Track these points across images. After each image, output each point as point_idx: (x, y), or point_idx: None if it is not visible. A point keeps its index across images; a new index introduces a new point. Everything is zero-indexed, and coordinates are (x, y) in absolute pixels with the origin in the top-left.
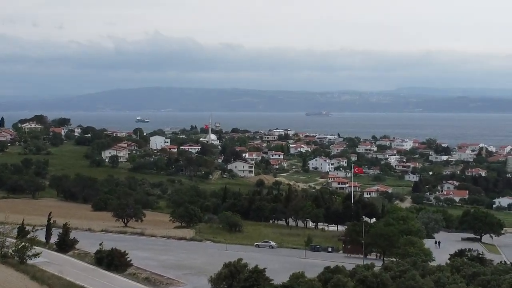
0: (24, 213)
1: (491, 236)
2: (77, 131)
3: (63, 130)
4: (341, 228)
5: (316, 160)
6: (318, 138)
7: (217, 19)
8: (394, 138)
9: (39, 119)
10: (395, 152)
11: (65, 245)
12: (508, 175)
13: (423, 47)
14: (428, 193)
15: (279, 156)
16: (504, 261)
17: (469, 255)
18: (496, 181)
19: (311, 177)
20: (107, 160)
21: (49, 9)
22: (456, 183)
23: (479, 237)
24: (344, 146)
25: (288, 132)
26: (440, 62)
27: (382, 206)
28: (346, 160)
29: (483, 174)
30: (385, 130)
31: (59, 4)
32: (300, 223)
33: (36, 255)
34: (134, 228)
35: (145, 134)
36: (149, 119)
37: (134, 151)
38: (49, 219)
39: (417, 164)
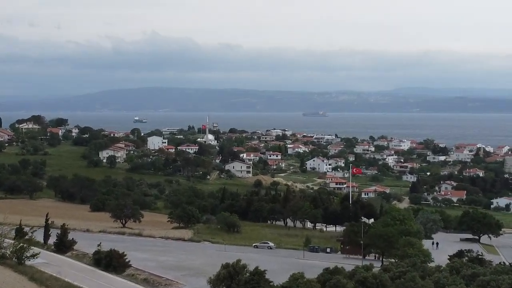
0: (22, 214)
1: (490, 237)
2: (75, 132)
3: (60, 131)
4: (340, 228)
5: (313, 160)
6: (315, 139)
7: (216, 19)
8: (392, 138)
9: (36, 119)
10: (392, 152)
11: (63, 246)
12: (506, 176)
13: (423, 47)
14: (425, 194)
15: (276, 156)
16: (503, 262)
17: (468, 256)
18: (494, 181)
19: (308, 178)
20: (104, 161)
21: (47, 9)
22: (454, 184)
23: (477, 237)
24: (342, 146)
25: (286, 132)
26: (440, 62)
27: (380, 207)
28: (343, 161)
29: (481, 175)
30: (383, 131)
31: (57, 4)
32: (298, 224)
33: (34, 256)
34: (132, 229)
35: (142, 134)
36: (147, 120)
37: (132, 152)
38: (47, 220)
39: (415, 164)
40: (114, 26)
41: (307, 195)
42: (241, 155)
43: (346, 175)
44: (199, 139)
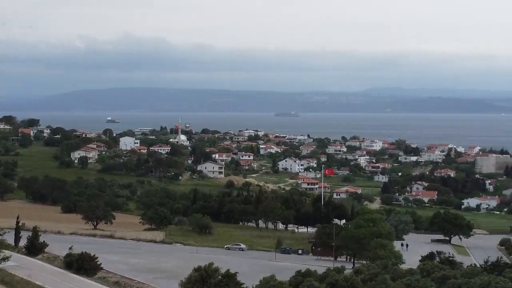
0: None
1: (460, 238)
2: (47, 132)
3: (32, 131)
4: (311, 229)
5: (286, 161)
6: (288, 139)
7: (189, 19)
8: (364, 138)
9: (8, 119)
10: (364, 153)
11: (34, 248)
12: (477, 176)
13: (395, 48)
14: (397, 194)
15: (249, 157)
16: (474, 263)
17: (439, 258)
18: (464, 181)
19: (281, 178)
20: (76, 161)
21: (18, 8)
22: (425, 184)
23: (448, 238)
24: (314, 146)
25: (258, 132)
26: (412, 63)
27: (351, 208)
28: (316, 161)
29: (452, 175)
30: (355, 131)
31: (28, 3)
32: (270, 225)
33: (5, 259)
34: (103, 230)
35: (115, 134)
36: (119, 120)
37: (104, 152)
38: (17, 222)
39: (387, 164)
40: (87, 26)
41: (279, 196)
42: (214, 155)
43: (318, 176)
44: (171, 140)
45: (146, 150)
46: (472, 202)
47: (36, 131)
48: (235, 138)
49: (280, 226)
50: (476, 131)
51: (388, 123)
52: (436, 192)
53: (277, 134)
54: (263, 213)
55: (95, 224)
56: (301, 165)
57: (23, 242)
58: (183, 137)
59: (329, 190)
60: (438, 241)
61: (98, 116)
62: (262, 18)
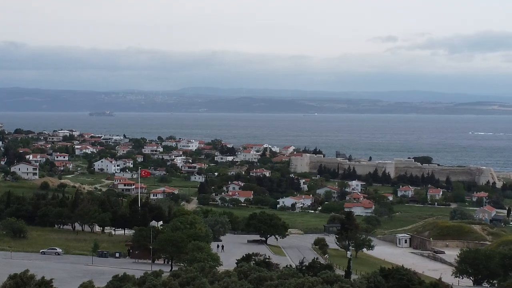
0: None
1: (276, 238)
2: None
3: None
4: (129, 232)
5: (101, 161)
6: (103, 139)
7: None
8: (180, 139)
9: None
10: (181, 153)
11: None
12: (292, 175)
13: (208, 48)
14: (214, 194)
15: (64, 157)
16: (290, 264)
17: (255, 260)
18: (280, 181)
19: (96, 179)
20: None
21: None
22: (241, 184)
23: (264, 239)
24: (130, 147)
25: (73, 133)
26: (225, 63)
27: (169, 209)
28: (132, 161)
29: (267, 175)
30: (171, 130)
31: None
32: (87, 228)
33: None
34: None
35: None
36: None
37: None
38: None
39: (203, 164)
40: None
41: (96, 198)
42: (27, 156)
43: (135, 176)
44: None
45: None
46: (287, 201)
47: None
48: (50, 139)
49: (97, 228)
50: (289, 130)
51: (203, 123)
52: (252, 191)
53: (92, 134)
54: (79, 216)
55: None
56: (118, 165)
57: None
58: None
59: (145, 190)
60: (254, 241)
61: None
62: (75, 16)
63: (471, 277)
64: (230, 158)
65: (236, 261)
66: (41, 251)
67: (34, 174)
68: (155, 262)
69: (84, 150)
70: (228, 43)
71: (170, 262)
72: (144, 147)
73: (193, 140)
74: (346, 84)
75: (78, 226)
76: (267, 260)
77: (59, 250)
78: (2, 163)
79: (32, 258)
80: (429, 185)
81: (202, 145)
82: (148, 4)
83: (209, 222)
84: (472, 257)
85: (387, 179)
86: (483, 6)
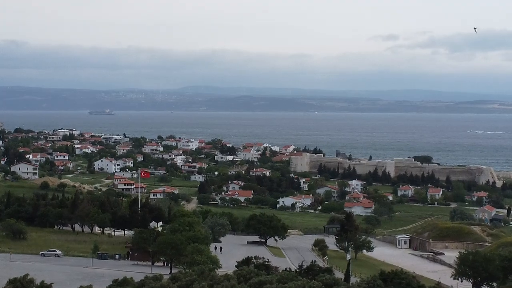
0: None
1: (276, 239)
2: None
3: None
4: (128, 233)
5: (102, 161)
6: (104, 138)
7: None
8: (180, 138)
9: None
10: (181, 152)
11: None
12: (291, 175)
13: (208, 47)
14: (214, 194)
15: (64, 157)
16: (289, 267)
17: (254, 263)
18: (280, 180)
19: (96, 179)
20: None
21: None
22: (241, 183)
23: (264, 240)
24: (130, 146)
25: (73, 132)
26: (225, 61)
27: (168, 209)
28: (132, 161)
29: (267, 174)
30: (171, 129)
31: None
32: (87, 229)
33: None
34: None
35: None
36: None
37: None
38: None
39: (203, 164)
40: None
41: (96, 198)
42: (27, 156)
43: (135, 176)
44: None
45: None
46: (287, 201)
47: None
48: (50, 138)
49: (97, 229)
50: (289, 129)
51: (204, 121)
52: (252, 191)
53: (92, 134)
54: (79, 217)
55: None
56: (118, 165)
57: None
58: None
59: (145, 190)
60: (254, 242)
61: None
62: (76, 15)
63: (470, 280)
64: (230, 158)
65: (236, 264)
66: (40, 253)
67: (34, 173)
68: (155, 264)
69: (84, 150)
70: (228, 42)
71: (169, 265)
72: (144, 146)
73: (193, 140)
74: (346, 83)
75: (78, 227)
76: (266, 263)
77: (58, 252)
78: (2, 162)
79: (31, 260)
80: (429, 185)
81: (202, 144)
82: (148, 3)
83: (209, 223)
84: (471, 259)
85: (387, 178)
86: (484, 5)
